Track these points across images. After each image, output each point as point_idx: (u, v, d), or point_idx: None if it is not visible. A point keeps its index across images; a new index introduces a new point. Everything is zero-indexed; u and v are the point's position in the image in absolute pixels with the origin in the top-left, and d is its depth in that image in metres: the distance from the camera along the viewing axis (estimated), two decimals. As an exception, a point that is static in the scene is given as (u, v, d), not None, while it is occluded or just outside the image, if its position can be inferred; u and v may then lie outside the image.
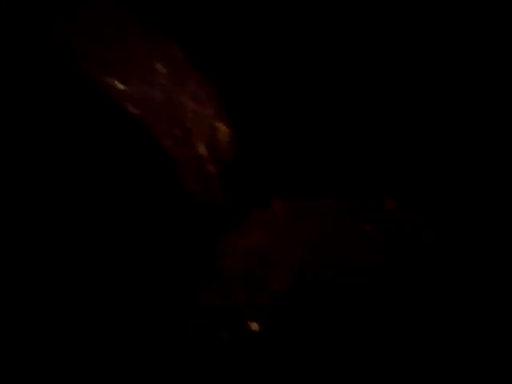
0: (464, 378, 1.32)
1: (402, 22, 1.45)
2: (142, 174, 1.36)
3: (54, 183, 1.34)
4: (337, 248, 1.38)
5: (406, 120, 1.44)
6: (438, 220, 1.39)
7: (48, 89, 1.36)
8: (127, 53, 1.33)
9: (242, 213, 1.36)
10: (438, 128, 1.45)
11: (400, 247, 1.38)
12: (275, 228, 1.37)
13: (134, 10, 1.38)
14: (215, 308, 1.32)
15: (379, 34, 1.44)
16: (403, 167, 1.43)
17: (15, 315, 1.29)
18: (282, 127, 1.41)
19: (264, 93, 1.42)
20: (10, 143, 1.33)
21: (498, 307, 1.34)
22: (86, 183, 1.35)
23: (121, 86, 1.32)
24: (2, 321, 1.28)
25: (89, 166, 1.35)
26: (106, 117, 1.34)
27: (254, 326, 1.33)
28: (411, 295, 1.37)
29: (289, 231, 1.38)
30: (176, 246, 1.35)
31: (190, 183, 1.36)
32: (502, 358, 1.32)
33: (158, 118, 1.33)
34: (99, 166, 1.35)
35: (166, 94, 1.34)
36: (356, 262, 1.38)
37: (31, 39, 1.34)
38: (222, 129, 1.36)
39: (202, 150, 1.35)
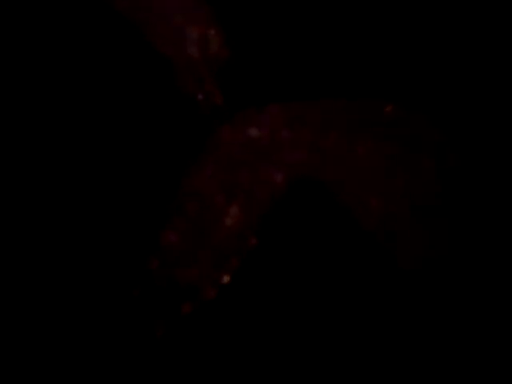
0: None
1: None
2: (137, 76, 1.38)
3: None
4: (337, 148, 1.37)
5: (407, 21, 1.44)
6: (438, 120, 1.37)
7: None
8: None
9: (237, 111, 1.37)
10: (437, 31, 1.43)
11: (401, 149, 1.36)
12: (270, 127, 1.37)
13: None
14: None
15: None
16: (403, 69, 1.42)
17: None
18: (276, 26, 1.42)
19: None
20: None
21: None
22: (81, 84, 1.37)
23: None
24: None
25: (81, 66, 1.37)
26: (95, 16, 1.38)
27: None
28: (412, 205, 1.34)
29: (284, 132, 1.38)
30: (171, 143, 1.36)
31: (186, 85, 1.38)
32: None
33: (147, 19, 1.36)
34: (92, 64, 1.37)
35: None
36: (356, 162, 1.36)
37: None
38: (214, 32, 1.38)
39: (195, 52, 1.37)
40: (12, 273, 1.26)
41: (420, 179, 1.35)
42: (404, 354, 1.27)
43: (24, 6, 1.37)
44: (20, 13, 1.37)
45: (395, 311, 1.30)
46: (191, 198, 1.32)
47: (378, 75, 1.41)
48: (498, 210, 1.32)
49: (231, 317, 1.28)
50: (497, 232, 1.30)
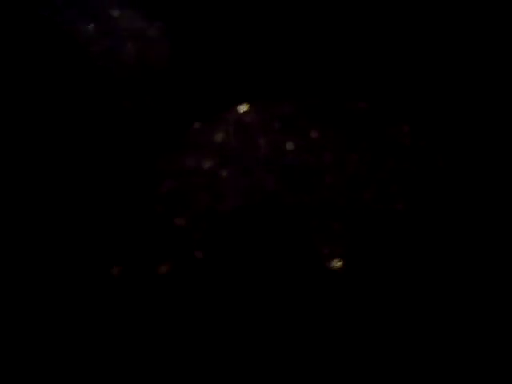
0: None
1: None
2: (69, 84, 1.18)
3: None
4: (300, 161, 1.18)
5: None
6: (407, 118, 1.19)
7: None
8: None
9: (180, 129, 1.18)
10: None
11: (369, 150, 1.18)
12: (222, 147, 1.18)
13: None
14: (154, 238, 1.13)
15: None
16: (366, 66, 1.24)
17: None
18: (222, 30, 1.23)
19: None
20: None
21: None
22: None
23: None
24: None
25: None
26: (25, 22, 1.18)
27: (198, 255, 1.12)
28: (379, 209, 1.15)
29: (240, 150, 1.19)
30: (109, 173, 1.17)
31: (119, 94, 1.18)
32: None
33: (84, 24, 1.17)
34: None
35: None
36: (323, 176, 1.17)
37: None
38: (154, 33, 1.19)
39: (132, 58, 1.18)
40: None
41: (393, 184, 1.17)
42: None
43: None
44: None
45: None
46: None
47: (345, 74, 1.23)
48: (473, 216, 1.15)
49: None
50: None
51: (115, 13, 1.20)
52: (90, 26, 1.19)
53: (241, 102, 1.20)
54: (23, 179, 1.15)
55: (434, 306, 1.09)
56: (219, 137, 1.18)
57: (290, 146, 1.19)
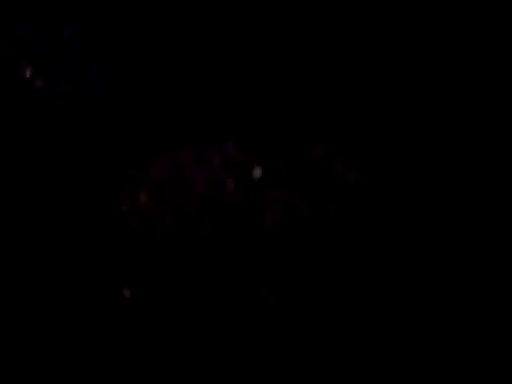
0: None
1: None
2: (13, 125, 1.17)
3: None
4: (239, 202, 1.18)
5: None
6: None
7: None
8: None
9: (116, 171, 1.18)
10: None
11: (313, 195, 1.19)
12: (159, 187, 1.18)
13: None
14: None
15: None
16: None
17: None
18: (157, 67, 1.23)
19: (138, 34, 1.24)
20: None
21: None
22: None
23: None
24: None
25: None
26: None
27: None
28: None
29: (176, 190, 1.19)
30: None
31: (62, 133, 1.17)
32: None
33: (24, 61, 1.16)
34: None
35: (27, 32, 1.17)
36: (263, 219, 1.18)
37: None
38: (92, 74, 1.19)
39: (70, 96, 1.17)
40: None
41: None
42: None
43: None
44: None
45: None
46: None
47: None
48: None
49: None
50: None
51: (52, 53, 1.19)
52: (27, 67, 1.18)
53: (179, 143, 1.21)
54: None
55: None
56: (155, 178, 1.18)
57: (230, 185, 1.19)
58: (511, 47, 1.27)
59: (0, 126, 1.17)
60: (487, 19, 1.28)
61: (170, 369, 1.10)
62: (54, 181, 1.17)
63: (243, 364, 1.10)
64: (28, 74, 1.17)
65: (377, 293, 1.13)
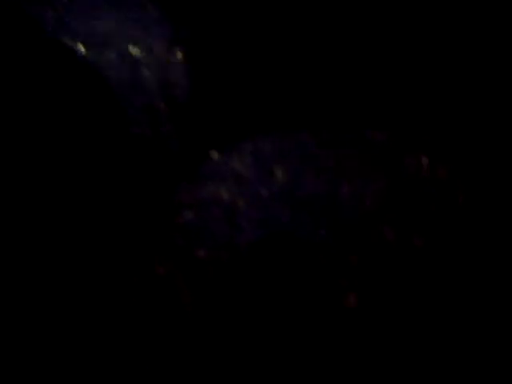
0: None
1: None
2: (84, 112, 1.17)
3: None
4: (316, 193, 1.18)
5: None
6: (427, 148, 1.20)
7: None
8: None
9: (197, 159, 1.17)
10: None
11: (391, 185, 1.17)
12: (239, 177, 1.18)
13: None
14: (174, 269, 1.12)
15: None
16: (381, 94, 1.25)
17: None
18: (242, 60, 1.23)
19: (221, 22, 1.24)
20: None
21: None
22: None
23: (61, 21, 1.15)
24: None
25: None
26: (44, 53, 1.17)
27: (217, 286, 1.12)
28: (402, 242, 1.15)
29: (256, 180, 1.18)
30: (127, 202, 1.16)
31: (139, 124, 1.17)
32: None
33: (100, 51, 1.16)
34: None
35: (110, 24, 1.17)
36: (340, 209, 1.17)
37: None
38: (175, 62, 1.18)
39: (152, 85, 1.16)
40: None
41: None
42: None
43: None
44: None
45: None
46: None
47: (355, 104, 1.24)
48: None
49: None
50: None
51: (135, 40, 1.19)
52: (109, 54, 1.18)
53: (258, 131, 1.20)
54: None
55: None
56: (236, 167, 1.18)
57: (306, 177, 1.19)
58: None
59: (78, 114, 1.17)
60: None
61: None
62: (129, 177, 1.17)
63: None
64: (112, 60, 1.17)
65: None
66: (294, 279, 1.13)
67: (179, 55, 1.19)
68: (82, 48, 1.17)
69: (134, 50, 1.18)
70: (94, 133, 1.16)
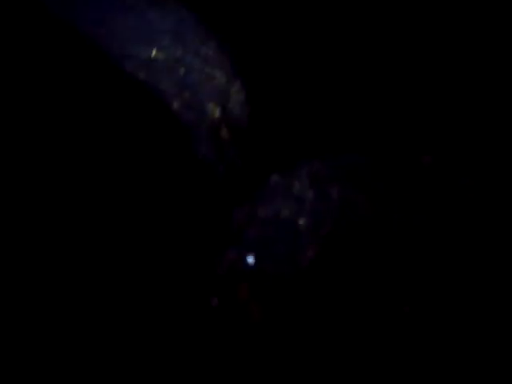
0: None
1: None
2: (151, 140, 1.24)
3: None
4: (370, 215, 1.24)
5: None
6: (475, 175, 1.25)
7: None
8: (128, 12, 1.25)
9: (259, 180, 1.25)
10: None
11: (441, 209, 1.23)
12: (297, 196, 1.25)
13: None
14: (237, 278, 1.19)
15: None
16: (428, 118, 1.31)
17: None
18: (298, 85, 1.30)
19: (278, 51, 1.31)
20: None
21: None
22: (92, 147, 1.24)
23: (120, 45, 1.23)
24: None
25: (93, 132, 1.24)
26: (104, 76, 1.25)
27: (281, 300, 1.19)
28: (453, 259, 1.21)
29: (313, 200, 1.25)
30: (191, 218, 1.23)
31: (203, 150, 1.24)
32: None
33: (163, 79, 1.23)
34: (103, 131, 1.24)
35: (171, 53, 1.24)
36: (392, 230, 1.24)
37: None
38: (235, 90, 1.26)
39: (214, 113, 1.24)
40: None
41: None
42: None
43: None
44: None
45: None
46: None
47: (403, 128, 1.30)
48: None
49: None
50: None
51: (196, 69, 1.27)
52: (171, 81, 1.25)
53: (314, 155, 1.28)
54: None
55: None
56: (294, 188, 1.26)
57: (358, 198, 1.26)
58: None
59: (140, 140, 1.24)
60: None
61: None
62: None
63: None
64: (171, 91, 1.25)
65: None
66: (354, 293, 1.20)
67: (239, 84, 1.27)
68: (144, 75, 1.25)
69: (195, 79, 1.26)
70: (159, 156, 1.24)
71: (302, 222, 1.23)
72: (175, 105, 1.24)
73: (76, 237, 1.21)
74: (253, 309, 1.18)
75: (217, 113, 1.24)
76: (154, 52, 1.25)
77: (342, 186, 1.26)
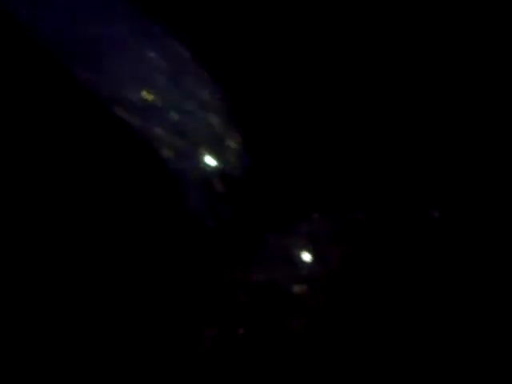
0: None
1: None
2: (138, 191, 1.16)
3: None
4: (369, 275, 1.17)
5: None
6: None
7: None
8: (122, 51, 1.16)
9: (253, 237, 1.16)
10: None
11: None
12: (294, 260, 1.17)
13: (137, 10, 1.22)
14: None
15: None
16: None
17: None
18: (295, 137, 1.22)
19: (275, 101, 1.23)
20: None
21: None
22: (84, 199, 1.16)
23: (113, 88, 1.14)
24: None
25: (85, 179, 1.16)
26: (95, 120, 1.16)
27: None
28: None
29: (311, 263, 1.17)
30: (180, 276, 1.15)
31: (194, 203, 1.16)
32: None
33: (155, 125, 1.15)
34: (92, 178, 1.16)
35: (166, 97, 1.16)
36: (400, 296, 1.16)
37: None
38: (232, 139, 1.17)
39: (208, 163, 1.15)
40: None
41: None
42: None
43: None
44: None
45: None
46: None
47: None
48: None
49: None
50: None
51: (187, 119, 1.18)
52: (164, 127, 1.17)
53: (312, 210, 1.19)
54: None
55: None
56: (291, 249, 1.17)
57: (360, 258, 1.17)
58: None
59: (131, 190, 1.16)
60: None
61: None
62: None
63: None
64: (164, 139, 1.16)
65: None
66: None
67: (235, 132, 1.18)
68: (136, 120, 1.16)
69: (189, 125, 1.17)
70: (146, 209, 1.16)
71: (296, 289, 1.14)
72: (167, 153, 1.15)
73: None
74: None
75: (211, 163, 1.15)
76: (146, 94, 1.16)
77: (343, 248, 1.17)
